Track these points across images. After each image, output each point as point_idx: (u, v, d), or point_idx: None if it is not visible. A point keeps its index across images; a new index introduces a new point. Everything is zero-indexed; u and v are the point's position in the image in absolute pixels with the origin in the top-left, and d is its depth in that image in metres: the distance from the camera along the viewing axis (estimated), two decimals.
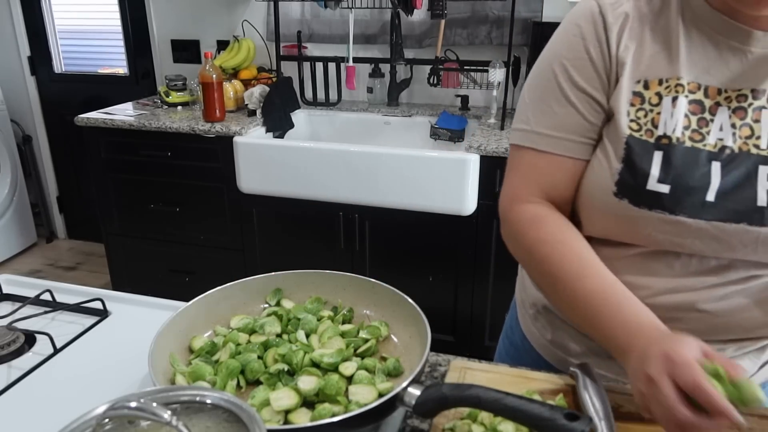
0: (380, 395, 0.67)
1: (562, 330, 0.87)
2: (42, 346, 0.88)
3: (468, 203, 2.00)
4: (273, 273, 0.89)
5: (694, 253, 0.72)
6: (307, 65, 2.61)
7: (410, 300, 0.80)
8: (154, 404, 0.50)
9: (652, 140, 0.70)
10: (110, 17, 3.10)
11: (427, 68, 2.43)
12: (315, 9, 2.61)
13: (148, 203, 2.45)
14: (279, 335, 0.81)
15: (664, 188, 0.69)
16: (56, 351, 0.87)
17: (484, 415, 0.66)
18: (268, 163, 2.16)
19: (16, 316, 0.93)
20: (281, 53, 2.56)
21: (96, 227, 2.73)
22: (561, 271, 0.72)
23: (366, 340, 0.78)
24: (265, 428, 0.52)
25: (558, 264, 0.73)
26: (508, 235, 0.81)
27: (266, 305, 0.88)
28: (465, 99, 2.46)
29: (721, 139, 0.69)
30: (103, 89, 3.19)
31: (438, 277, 2.19)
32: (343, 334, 0.79)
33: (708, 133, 0.69)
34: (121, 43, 3.12)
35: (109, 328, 0.94)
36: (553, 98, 0.76)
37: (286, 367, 0.73)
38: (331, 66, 2.54)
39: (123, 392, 0.56)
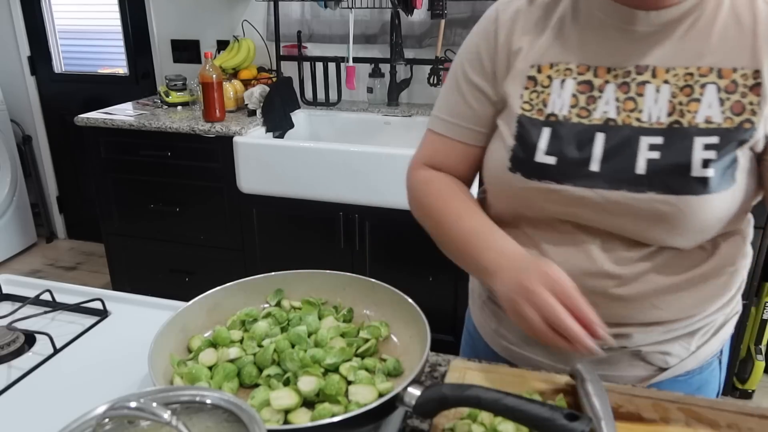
0: (380, 395, 0.67)
1: (505, 319, 0.89)
2: (42, 346, 0.88)
3: None
4: (273, 273, 0.89)
5: (587, 224, 0.76)
6: (307, 65, 2.61)
7: (410, 300, 0.80)
8: (154, 404, 0.50)
9: (541, 118, 0.77)
10: (110, 17, 3.10)
11: (427, 68, 2.43)
12: (315, 9, 2.61)
13: (148, 203, 2.45)
14: (282, 326, 0.81)
15: (551, 160, 0.75)
16: (56, 351, 0.87)
17: (484, 415, 0.66)
18: (268, 163, 2.16)
19: (16, 316, 0.93)
20: (281, 53, 2.56)
21: (96, 227, 2.73)
22: (444, 214, 0.84)
23: (366, 340, 0.78)
24: (265, 428, 0.52)
25: (442, 209, 0.85)
26: (409, 199, 0.92)
27: (266, 305, 0.88)
28: None
29: (606, 112, 0.74)
30: (103, 89, 3.19)
31: (438, 277, 2.19)
32: (343, 334, 0.79)
33: (595, 109, 0.75)
34: (121, 43, 3.12)
35: (109, 328, 0.94)
36: (452, 89, 0.87)
37: (280, 371, 0.73)
38: (331, 66, 2.54)
39: (123, 392, 0.56)
